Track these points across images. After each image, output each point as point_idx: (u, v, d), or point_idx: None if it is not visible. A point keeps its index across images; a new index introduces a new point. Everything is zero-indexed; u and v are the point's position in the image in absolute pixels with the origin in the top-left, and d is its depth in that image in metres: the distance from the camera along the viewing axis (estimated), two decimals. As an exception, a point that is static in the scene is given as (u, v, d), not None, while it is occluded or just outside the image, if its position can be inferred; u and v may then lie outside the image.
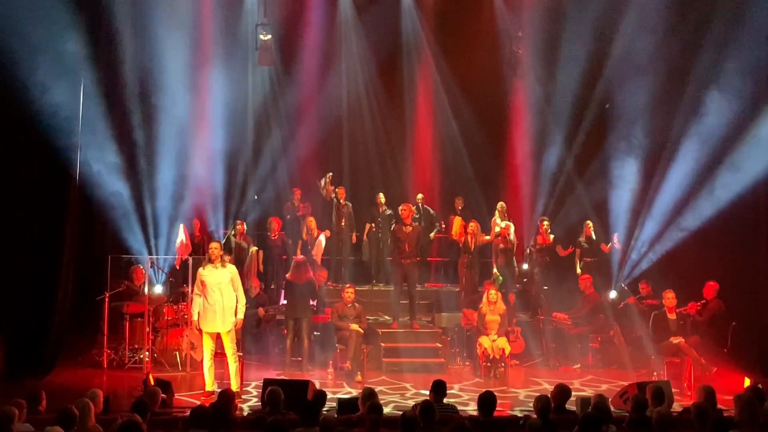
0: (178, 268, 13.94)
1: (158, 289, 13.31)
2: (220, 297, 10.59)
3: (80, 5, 12.31)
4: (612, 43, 15.16)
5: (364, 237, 16.37)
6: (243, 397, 10.69)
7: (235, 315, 10.73)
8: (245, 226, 14.88)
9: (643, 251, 14.51)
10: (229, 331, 10.69)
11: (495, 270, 14.62)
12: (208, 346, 10.72)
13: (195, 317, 10.81)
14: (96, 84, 12.91)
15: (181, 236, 13.98)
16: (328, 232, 15.28)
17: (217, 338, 10.75)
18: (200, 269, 10.85)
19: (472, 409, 9.63)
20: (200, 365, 11.25)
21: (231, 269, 10.88)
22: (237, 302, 10.75)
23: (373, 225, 16.19)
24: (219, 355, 10.93)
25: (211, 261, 10.74)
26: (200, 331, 10.78)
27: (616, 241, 14.99)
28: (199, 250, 14.15)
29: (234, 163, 16.11)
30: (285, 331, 13.06)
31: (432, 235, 16.22)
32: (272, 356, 13.18)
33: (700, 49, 13.71)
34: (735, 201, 13.30)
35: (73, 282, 12.80)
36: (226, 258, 11.28)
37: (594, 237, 15.38)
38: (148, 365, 12.25)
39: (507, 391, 11.66)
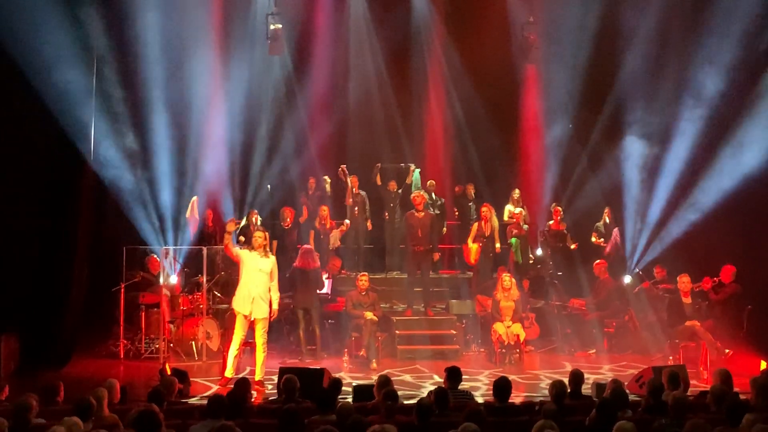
0: (192, 239, 13.94)
1: (173, 279, 13.33)
2: (257, 284, 10.58)
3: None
4: (623, 26, 15.07)
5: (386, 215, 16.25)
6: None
7: (270, 306, 10.70)
8: (258, 216, 14.88)
9: (656, 235, 14.47)
10: (264, 319, 10.67)
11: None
12: (239, 334, 10.66)
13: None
14: (108, 73, 12.97)
15: (191, 210, 14.03)
16: (345, 227, 15.21)
17: (250, 327, 10.71)
18: (244, 250, 10.84)
19: (487, 395, 9.63)
20: (216, 355, 11.26)
21: (273, 260, 10.85)
22: (271, 292, 10.73)
23: (386, 213, 16.16)
24: (247, 344, 10.93)
25: (254, 249, 10.71)
26: (234, 316, 10.76)
27: (617, 234, 15.00)
28: (211, 240, 14.17)
29: (247, 152, 16.11)
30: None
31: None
32: (287, 345, 13.18)
33: (715, 31, 13.63)
34: (749, 183, 13.24)
35: (89, 273, 12.86)
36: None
37: (609, 223, 15.38)
38: (164, 355, 12.31)
39: (522, 377, 11.68)
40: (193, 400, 9.43)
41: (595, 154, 16.19)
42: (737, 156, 13.41)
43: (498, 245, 14.40)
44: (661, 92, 14.62)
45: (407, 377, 11.59)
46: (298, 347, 12.82)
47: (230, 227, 10.75)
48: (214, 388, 10.58)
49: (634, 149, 15.04)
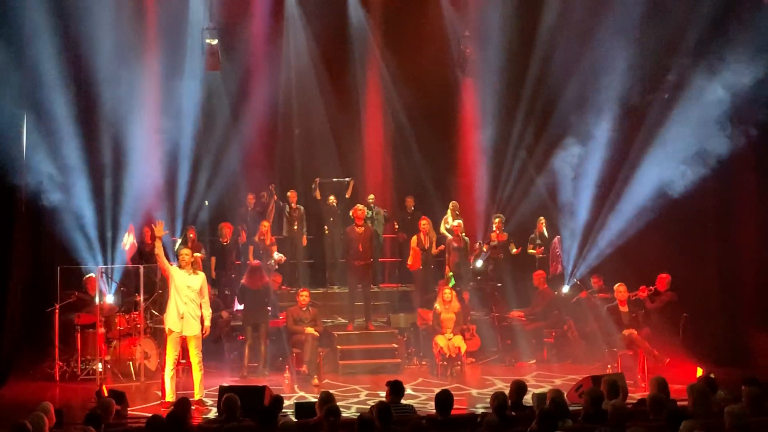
0: (130, 263, 13.68)
1: (110, 298, 13.10)
2: (185, 301, 10.44)
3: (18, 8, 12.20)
4: (557, 39, 15.26)
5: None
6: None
7: (202, 323, 10.58)
8: (195, 233, 14.70)
9: (593, 245, 14.62)
10: (195, 336, 10.53)
11: (447, 268, 14.61)
12: (171, 355, 10.50)
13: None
14: (41, 91, 12.75)
15: (128, 238, 13.74)
16: (282, 258, 15.14)
17: (182, 346, 10.58)
18: (174, 267, 10.72)
19: (429, 408, 9.64)
20: (155, 375, 11.06)
21: (202, 277, 10.74)
22: (202, 310, 10.60)
23: (326, 227, 16.15)
24: (181, 364, 10.77)
25: (181, 267, 10.60)
26: (167, 334, 10.57)
27: (558, 245, 15.12)
28: (150, 258, 13.93)
29: (184, 168, 15.90)
30: (241, 337, 12.96)
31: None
32: (227, 363, 13.04)
33: (644, 40, 13.85)
34: (683, 192, 13.42)
35: (23, 294, 12.60)
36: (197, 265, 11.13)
37: (546, 234, 15.51)
38: (101, 376, 12.09)
39: (464, 389, 11.72)
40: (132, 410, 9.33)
41: (530, 165, 16.31)
42: (671, 164, 13.59)
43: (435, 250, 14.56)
44: (595, 101, 14.77)
45: (363, 395, 11.46)
46: (240, 363, 12.69)
47: (159, 231, 10.63)
48: (155, 402, 10.48)
49: (568, 159, 15.17)
